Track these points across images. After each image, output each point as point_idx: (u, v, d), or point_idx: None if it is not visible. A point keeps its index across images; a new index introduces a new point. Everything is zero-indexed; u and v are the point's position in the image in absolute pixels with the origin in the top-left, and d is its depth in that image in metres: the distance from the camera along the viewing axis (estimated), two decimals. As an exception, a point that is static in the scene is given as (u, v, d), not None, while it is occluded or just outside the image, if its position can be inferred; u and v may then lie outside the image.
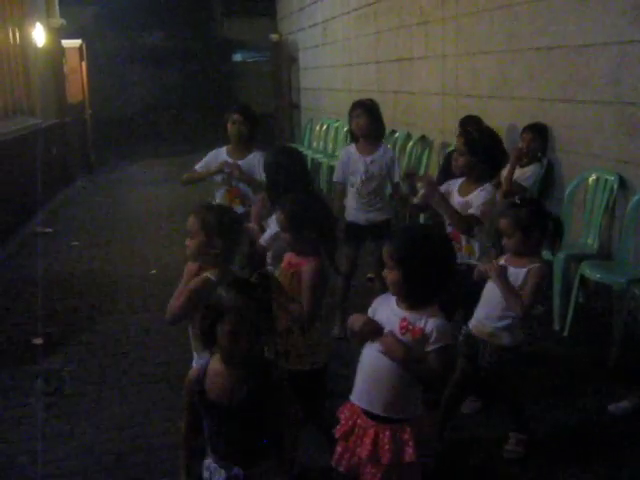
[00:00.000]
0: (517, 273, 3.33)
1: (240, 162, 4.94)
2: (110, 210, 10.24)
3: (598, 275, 4.69)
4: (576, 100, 5.58)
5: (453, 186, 4.05)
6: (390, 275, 2.58)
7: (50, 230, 8.91)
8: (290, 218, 3.13)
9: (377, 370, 2.60)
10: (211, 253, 2.98)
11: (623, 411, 3.87)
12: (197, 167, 5.12)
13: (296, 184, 3.75)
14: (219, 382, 2.40)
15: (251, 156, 4.97)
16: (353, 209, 5.13)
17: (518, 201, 3.57)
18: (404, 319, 2.56)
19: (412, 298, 2.59)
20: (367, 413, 2.62)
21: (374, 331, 2.59)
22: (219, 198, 5.05)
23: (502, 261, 3.43)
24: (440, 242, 2.70)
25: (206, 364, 2.45)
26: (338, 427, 2.70)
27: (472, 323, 3.49)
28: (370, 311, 2.72)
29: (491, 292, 3.38)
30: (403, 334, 2.54)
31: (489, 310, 3.40)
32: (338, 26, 12.03)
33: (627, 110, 5.03)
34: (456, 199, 3.95)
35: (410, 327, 2.54)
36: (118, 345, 5.08)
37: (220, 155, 5.07)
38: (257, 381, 2.37)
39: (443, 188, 4.04)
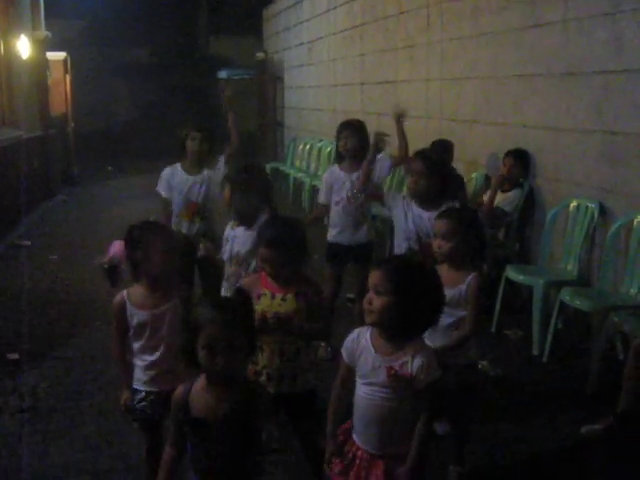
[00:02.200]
0: (455, 293, 3.20)
1: (195, 178, 5.07)
2: (90, 225, 10.17)
3: (578, 302, 4.71)
4: (559, 128, 5.64)
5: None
6: (379, 301, 2.45)
7: (28, 243, 8.83)
8: (274, 251, 3.07)
9: (369, 413, 2.54)
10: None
11: (595, 433, 3.87)
12: (159, 189, 5.17)
13: (263, 203, 3.91)
14: (202, 400, 2.39)
15: (205, 173, 5.09)
16: (338, 229, 5.09)
17: (457, 206, 3.58)
18: (390, 367, 2.46)
19: (393, 330, 2.48)
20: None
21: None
22: (177, 214, 5.08)
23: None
24: (436, 281, 2.60)
25: (191, 384, 2.44)
26: (335, 462, 2.65)
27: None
28: (346, 356, 2.61)
29: None
30: (392, 382, 2.46)
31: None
32: (324, 46, 12.10)
33: (609, 139, 5.09)
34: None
35: (399, 374, 2.46)
36: (95, 361, 5.02)
37: (176, 172, 5.14)
38: (238, 399, 2.36)
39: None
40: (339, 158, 5.17)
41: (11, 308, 6.11)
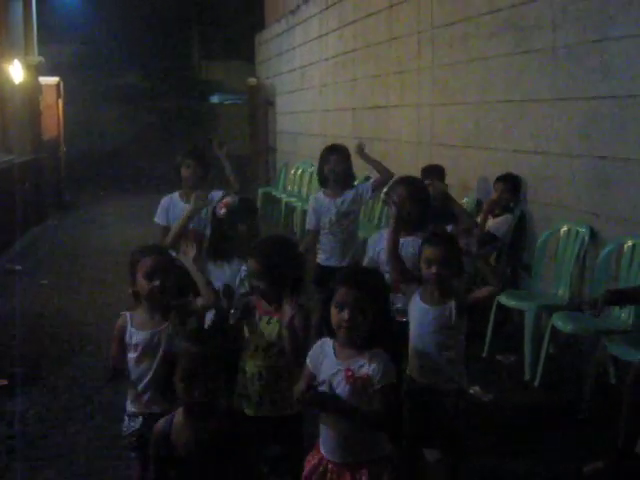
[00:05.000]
0: (442, 312, 3.25)
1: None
2: (81, 249, 10.14)
3: (569, 327, 4.70)
4: (548, 152, 5.68)
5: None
6: (348, 315, 2.57)
7: (19, 268, 8.78)
8: (266, 266, 3.11)
9: (330, 421, 2.61)
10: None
11: (597, 471, 3.81)
12: (158, 220, 5.07)
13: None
14: (182, 434, 2.36)
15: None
16: (327, 253, 5.10)
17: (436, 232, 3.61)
18: (348, 369, 2.58)
19: (359, 339, 2.60)
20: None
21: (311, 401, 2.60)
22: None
23: (416, 295, 3.39)
24: (383, 283, 2.81)
25: (172, 418, 2.41)
26: (307, 473, 2.68)
27: (413, 371, 3.37)
28: (310, 363, 2.72)
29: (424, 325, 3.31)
30: (351, 384, 2.56)
31: (427, 345, 3.30)
32: (315, 72, 12.18)
33: (598, 164, 5.12)
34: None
35: (357, 375, 2.56)
36: (84, 388, 4.98)
37: (174, 200, 5.03)
38: (218, 432, 2.33)
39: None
40: (323, 182, 5.19)
41: (0, 333, 6.06)
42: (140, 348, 3.06)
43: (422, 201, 4.05)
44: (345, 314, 2.58)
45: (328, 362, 2.65)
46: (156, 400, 3.00)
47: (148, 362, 3.05)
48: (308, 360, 2.73)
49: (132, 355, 3.08)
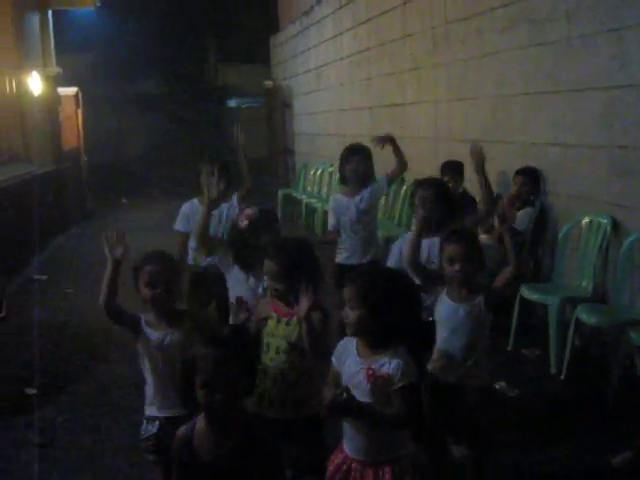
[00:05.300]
0: (472, 308, 3.27)
1: (214, 213, 4.85)
2: (104, 257, 10.17)
3: (594, 319, 4.67)
4: (567, 144, 5.64)
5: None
6: (353, 314, 2.59)
7: (45, 277, 8.88)
8: (285, 267, 3.12)
9: (350, 420, 2.61)
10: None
11: (626, 462, 3.77)
12: (178, 227, 5.14)
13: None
14: (205, 443, 2.36)
15: (223, 207, 4.99)
16: (348, 252, 5.12)
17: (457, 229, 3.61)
18: (369, 368, 2.58)
19: (373, 338, 2.60)
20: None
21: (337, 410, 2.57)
22: (196, 248, 5.01)
23: (443, 294, 3.37)
24: (404, 283, 2.73)
25: (194, 424, 2.41)
26: (331, 473, 2.69)
27: (435, 366, 3.36)
28: (335, 361, 2.73)
29: (454, 323, 3.29)
30: (372, 382, 2.56)
31: (456, 345, 3.29)
32: (331, 72, 12.19)
33: (618, 153, 5.08)
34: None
35: (377, 374, 2.56)
36: (112, 395, 5.03)
37: (194, 207, 5.09)
38: (240, 439, 2.33)
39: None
40: (344, 181, 5.24)
41: (28, 343, 6.12)
42: (153, 349, 3.09)
43: (447, 202, 4.06)
44: (348, 313, 2.61)
45: (351, 360, 2.66)
46: (172, 404, 3.01)
47: (163, 365, 3.08)
48: (333, 359, 2.74)
49: (147, 356, 3.12)
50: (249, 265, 3.84)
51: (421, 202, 3.99)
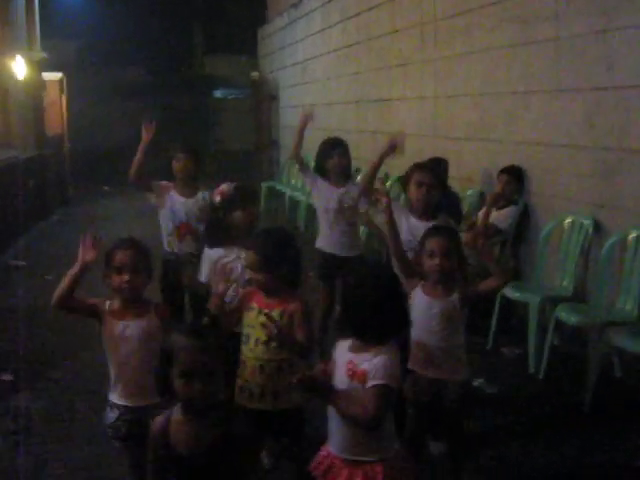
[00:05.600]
0: (446, 305, 3.26)
1: (188, 200, 5.00)
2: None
3: (574, 319, 4.69)
4: (552, 144, 5.66)
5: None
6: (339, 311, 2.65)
7: (23, 264, 8.79)
8: (265, 258, 3.10)
9: (336, 415, 2.58)
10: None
11: None
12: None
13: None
14: (182, 434, 2.30)
15: (200, 195, 5.00)
16: (328, 237, 5.15)
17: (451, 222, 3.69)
18: (349, 362, 2.56)
19: (359, 335, 2.58)
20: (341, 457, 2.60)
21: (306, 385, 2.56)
22: (168, 235, 5.03)
23: (418, 289, 3.37)
24: (388, 280, 2.69)
25: (169, 415, 2.36)
26: (314, 464, 2.67)
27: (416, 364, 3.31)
28: (334, 356, 2.71)
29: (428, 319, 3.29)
30: (350, 377, 2.53)
31: (430, 341, 3.27)
32: (318, 65, 12.15)
33: (602, 155, 5.10)
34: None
35: (355, 369, 2.53)
36: (88, 382, 4.97)
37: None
38: (219, 431, 2.29)
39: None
40: (323, 175, 5.23)
41: (5, 329, 6.07)
42: (115, 337, 3.06)
43: (442, 184, 4.12)
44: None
45: (342, 351, 2.65)
46: (131, 393, 3.03)
47: (124, 354, 3.05)
48: (333, 354, 2.71)
49: (108, 344, 3.10)
50: (217, 241, 3.82)
51: (417, 185, 4.02)
